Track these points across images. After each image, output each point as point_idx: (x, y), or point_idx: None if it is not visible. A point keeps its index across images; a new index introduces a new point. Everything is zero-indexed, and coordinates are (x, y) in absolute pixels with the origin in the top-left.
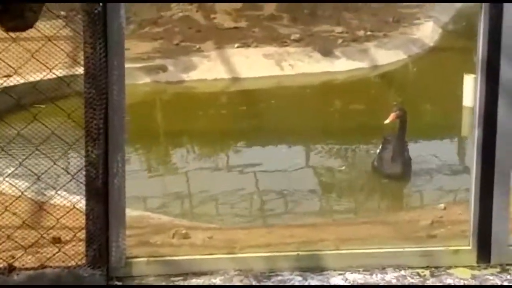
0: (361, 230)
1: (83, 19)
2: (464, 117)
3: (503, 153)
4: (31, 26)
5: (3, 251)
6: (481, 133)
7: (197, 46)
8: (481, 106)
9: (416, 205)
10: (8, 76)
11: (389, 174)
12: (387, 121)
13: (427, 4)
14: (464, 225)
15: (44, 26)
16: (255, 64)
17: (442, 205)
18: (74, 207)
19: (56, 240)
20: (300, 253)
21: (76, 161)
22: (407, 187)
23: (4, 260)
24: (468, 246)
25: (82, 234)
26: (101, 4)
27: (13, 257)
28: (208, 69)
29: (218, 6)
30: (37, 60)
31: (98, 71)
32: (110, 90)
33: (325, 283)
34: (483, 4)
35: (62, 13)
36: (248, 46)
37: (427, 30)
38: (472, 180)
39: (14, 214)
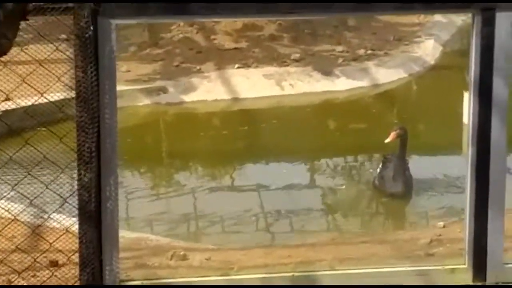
0: (360, 250)
1: (74, 43)
2: (464, 134)
3: (497, 171)
4: (5, 53)
5: (3, 275)
6: (475, 151)
7: (198, 67)
8: (475, 124)
9: (416, 223)
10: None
11: (391, 193)
12: (387, 140)
13: (428, 22)
14: (462, 243)
15: (44, 49)
16: (255, 85)
17: (441, 223)
18: (67, 230)
19: (53, 264)
20: (296, 274)
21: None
22: (408, 206)
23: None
24: (464, 265)
25: (77, 257)
26: (92, 28)
27: (9, 281)
28: (208, 90)
29: (219, 27)
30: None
31: (90, 95)
32: (102, 114)
33: None
34: (474, 23)
35: (63, 36)
36: (249, 66)
37: (428, 48)
38: (466, 198)
39: (12, 237)
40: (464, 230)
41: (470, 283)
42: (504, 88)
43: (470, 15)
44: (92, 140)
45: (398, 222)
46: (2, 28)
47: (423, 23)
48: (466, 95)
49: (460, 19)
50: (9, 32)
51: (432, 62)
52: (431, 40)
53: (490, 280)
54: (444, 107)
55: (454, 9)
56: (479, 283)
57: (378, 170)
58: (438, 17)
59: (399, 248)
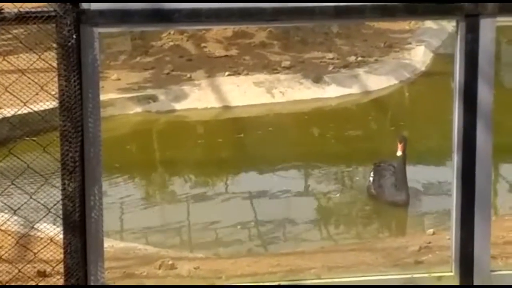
0: (349, 258)
1: (57, 51)
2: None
3: (483, 178)
4: None
5: None
6: (460, 158)
7: (188, 75)
8: (460, 131)
9: (407, 231)
10: None
11: (393, 202)
12: (399, 153)
13: (419, 29)
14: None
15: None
16: (246, 92)
17: (431, 230)
18: (51, 240)
19: (41, 274)
20: (282, 283)
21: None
22: (401, 214)
23: None
24: (451, 273)
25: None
26: (74, 37)
27: None
28: (198, 98)
29: (209, 34)
30: (11, 94)
31: (73, 104)
32: (85, 123)
33: None
34: (459, 29)
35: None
36: (239, 74)
37: (419, 54)
38: (453, 205)
39: None
40: (451, 237)
41: None
42: (489, 94)
43: (455, 21)
44: (76, 149)
45: (389, 230)
46: None
47: (413, 30)
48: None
49: (451, 25)
50: None
51: (423, 69)
52: (422, 46)
53: None
54: (435, 114)
55: (438, 16)
56: None
57: (371, 178)
58: (428, 24)
59: (388, 256)
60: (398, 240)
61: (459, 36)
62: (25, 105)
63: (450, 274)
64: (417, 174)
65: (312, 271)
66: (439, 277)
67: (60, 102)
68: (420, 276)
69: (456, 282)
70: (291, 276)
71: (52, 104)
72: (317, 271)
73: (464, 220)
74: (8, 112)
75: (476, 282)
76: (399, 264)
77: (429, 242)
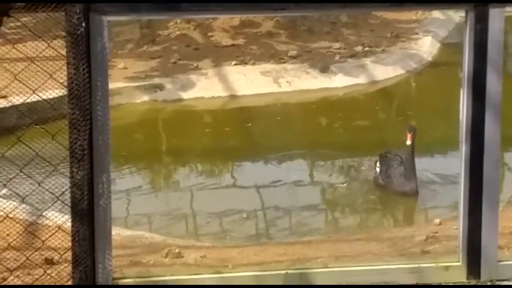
0: (355, 247)
1: (65, 39)
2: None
3: (490, 168)
4: None
5: None
6: (468, 148)
7: (195, 64)
8: (468, 121)
9: (413, 220)
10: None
11: (403, 192)
12: (409, 142)
13: (426, 19)
14: (457, 240)
15: (42, 46)
16: (252, 82)
17: (437, 220)
18: (60, 228)
19: (48, 261)
20: (289, 271)
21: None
22: (409, 203)
23: None
24: (458, 262)
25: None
26: (84, 25)
27: (3, 279)
28: (205, 87)
29: (216, 24)
30: (20, 82)
31: (82, 92)
32: (94, 111)
33: None
34: (468, 19)
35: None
36: (246, 63)
37: (426, 44)
38: (460, 195)
39: (6, 235)
40: (458, 227)
41: (464, 280)
42: (498, 84)
43: (464, 11)
44: (84, 137)
45: (404, 221)
46: None
47: (420, 20)
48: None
49: (458, 15)
50: None
51: (430, 59)
52: (429, 36)
53: (484, 278)
54: (442, 104)
55: (448, 6)
56: (473, 281)
57: (378, 169)
58: (435, 14)
59: (394, 246)
60: (405, 230)
61: (468, 26)
62: (34, 92)
63: (457, 264)
64: (424, 164)
65: (318, 260)
66: (446, 267)
67: (69, 90)
68: (427, 265)
69: (463, 271)
70: (298, 265)
71: (59, 92)
72: (323, 260)
73: (472, 210)
74: (17, 100)
75: (483, 272)
76: (406, 254)
77: (436, 232)
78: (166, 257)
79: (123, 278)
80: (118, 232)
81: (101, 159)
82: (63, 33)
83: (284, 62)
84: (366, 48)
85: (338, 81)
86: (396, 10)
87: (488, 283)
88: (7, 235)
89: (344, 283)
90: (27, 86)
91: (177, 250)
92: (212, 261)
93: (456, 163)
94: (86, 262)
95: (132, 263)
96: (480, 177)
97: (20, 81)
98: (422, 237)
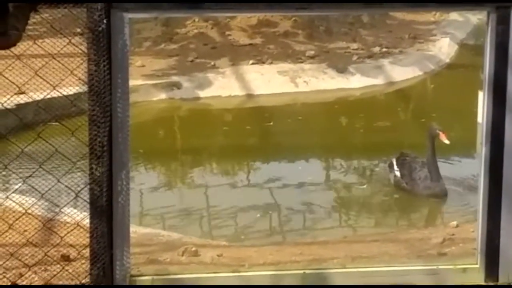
0: (372, 248)
1: (87, 36)
2: (478, 134)
3: (510, 170)
4: (14, 45)
5: (13, 269)
6: (488, 150)
7: (212, 63)
8: (488, 123)
9: (431, 223)
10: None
11: (433, 194)
12: (447, 141)
13: (444, 21)
14: (475, 243)
15: (60, 43)
16: (270, 81)
17: (454, 223)
18: (78, 225)
19: (65, 258)
20: (306, 271)
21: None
22: (431, 206)
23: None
24: (476, 265)
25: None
26: (105, 21)
27: (21, 275)
28: (222, 86)
29: (233, 23)
30: (41, 78)
31: (102, 89)
32: (114, 108)
33: None
34: (489, 21)
35: (78, 30)
36: (263, 62)
37: (444, 46)
38: (479, 198)
39: (24, 231)
40: (476, 230)
41: (482, 283)
42: None
43: (485, 13)
44: (104, 134)
45: (422, 222)
46: (12, 20)
47: (438, 22)
48: (480, 94)
49: (476, 17)
50: (18, 24)
51: (448, 61)
52: (447, 38)
53: (502, 280)
54: (459, 106)
55: (469, 7)
56: (491, 283)
57: (397, 172)
58: (453, 16)
59: (411, 247)
60: (421, 232)
61: (489, 28)
62: (54, 88)
63: (475, 266)
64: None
65: (335, 261)
66: (464, 269)
67: (89, 87)
68: (445, 267)
69: (481, 274)
70: (314, 265)
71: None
72: (340, 261)
73: (491, 212)
74: (38, 96)
75: (501, 274)
76: (422, 256)
77: (453, 234)
78: (182, 255)
79: (140, 275)
80: (135, 230)
81: (120, 156)
82: (82, 30)
83: (302, 62)
84: (384, 49)
85: (356, 82)
86: (417, 11)
87: (506, 285)
88: (25, 231)
89: (361, 284)
90: (47, 82)
91: (193, 249)
92: (229, 260)
93: (472, 166)
94: (104, 259)
95: (149, 260)
96: (500, 179)
97: (41, 77)
98: (439, 239)
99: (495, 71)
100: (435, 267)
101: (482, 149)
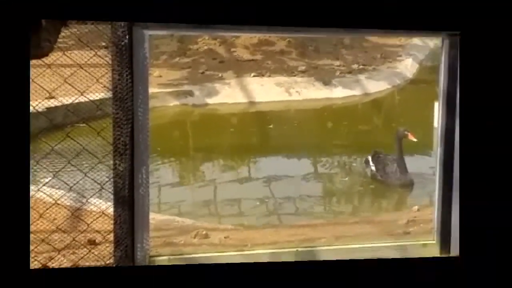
0: (353, 229)
1: (111, 49)
2: (435, 136)
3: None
4: (46, 55)
5: (43, 253)
6: (442, 150)
7: (220, 75)
8: (443, 128)
9: (397, 208)
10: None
11: (403, 184)
12: (415, 140)
13: (408, 44)
14: (432, 223)
15: (85, 54)
16: (268, 91)
17: (416, 207)
18: (103, 213)
19: (92, 242)
20: (299, 249)
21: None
22: (399, 194)
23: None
24: (433, 241)
25: (112, 237)
26: (127, 37)
27: (51, 258)
28: (228, 95)
29: (238, 41)
30: (70, 85)
31: (125, 95)
32: (135, 112)
33: None
34: (443, 46)
35: (103, 44)
36: (263, 75)
37: (408, 65)
38: (436, 187)
39: (53, 219)
40: (433, 213)
41: (438, 255)
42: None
43: (440, 39)
44: (126, 134)
45: (390, 207)
46: (44, 33)
47: (404, 45)
48: (436, 105)
49: (433, 42)
50: (51, 37)
51: (411, 77)
52: (410, 58)
53: (453, 253)
54: (420, 114)
55: (428, 34)
56: (445, 255)
57: (373, 167)
58: (415, 41)
59: (383, 228)
60: (391, 215)
61: (444, 51)
62: (82, 94)
63: (433, 242)
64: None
65: (323, 240)
66: (424, 244)
67: (113, 94)
68: (409, 243)
69: (437, 248)
70: (306, 244)
71: (101, 95)
72: (327, 240)
73: (445, 199)
74: (66, 100)
75: (452, 248)
76: (392, 234)
77: (415, 217)
78: (195, 238)
79: (159, 256)
80: (153, 217)
81: (140, 154)
82: (107, 44)
83: (295, 75)
84: (361, 66)
85: (338, 93)
86: (387, 35)
87: (456, 257)
88: (55, 219)
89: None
90: (75, 89)
91: (204, 232)
92: (234, 241)
93: (432, 162)
94: (126, 242)
95: (165, 243)
96: (451, 173)
97: (70, 84)
98: (404, 221)
99: (448, 86)
100: (401, 243)
101: (438, 149)
